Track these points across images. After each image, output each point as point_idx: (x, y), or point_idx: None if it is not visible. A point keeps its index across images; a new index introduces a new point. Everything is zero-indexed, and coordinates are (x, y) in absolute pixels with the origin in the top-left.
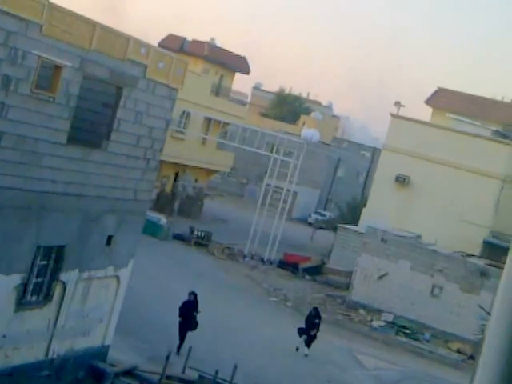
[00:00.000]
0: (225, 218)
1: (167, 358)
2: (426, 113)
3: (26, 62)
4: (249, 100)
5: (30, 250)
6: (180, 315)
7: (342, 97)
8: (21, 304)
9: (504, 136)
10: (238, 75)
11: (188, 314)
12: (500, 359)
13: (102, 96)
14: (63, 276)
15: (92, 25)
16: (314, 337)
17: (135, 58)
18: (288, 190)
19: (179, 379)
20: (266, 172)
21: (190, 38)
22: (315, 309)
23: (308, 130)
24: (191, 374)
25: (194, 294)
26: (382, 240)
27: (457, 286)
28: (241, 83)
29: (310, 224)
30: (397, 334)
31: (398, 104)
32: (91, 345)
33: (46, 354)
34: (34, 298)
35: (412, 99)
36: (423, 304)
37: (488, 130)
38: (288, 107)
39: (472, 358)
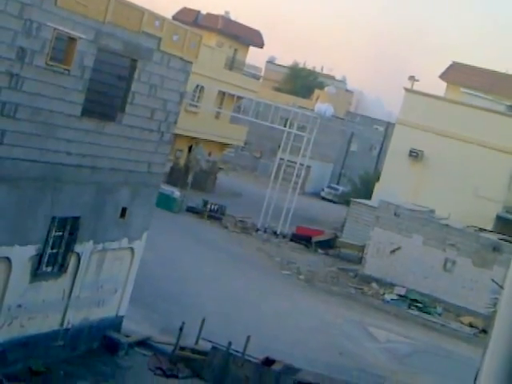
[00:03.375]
0: (238, 191)
1: (180, 329)
2: (440, 87)
3: (40, 34)
4: (262, 74)
5: (45, 221)
6: None
7: (356, 71)
8: (36, 275)
9: None
10: (251, 49)
11: None
12: (511, 333)
13: (116, 69)
14: (78, 247)
15: None
16: None
17: (150, 31)
18: (301, 164)
19: (192, 350)
20: (279, 146)
21: (204, 12)
22: None
23: (322, 105)
24: (204, 345)
25: None
26: (395, 214)
27: (469, 261)
28: (255, 57)
29: (322, 198)
30: (409, 307)
31: (412, 78)
32: (105, 315)
33: (61, 324)
34: (49, 269)
35: (426, 74)
36: (436, 278)
37: (502, 104)
38: (302, 81)
39: (484, 331)
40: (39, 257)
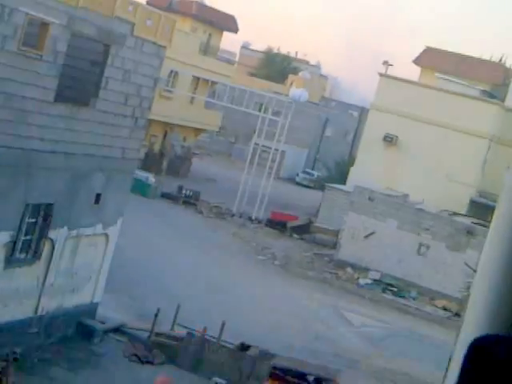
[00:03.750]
0: (213, 177)
1: (156, 315)
2: (414, 72)
3: (12, 19)
4: (237, 59)
5: (18, 207)
6: None
7: (330, 56)
8: (10, 261)
9: (491, 95)
10: (226, 34)
11: None
12: (484, 316)
13: (89, 54)
14: (52, 234)
15: None
16: None
17: (123, 16)
18: (276, 150)
19: (168, 336)
20: (254, 131)
21: None
22: None
23: (296, 90)
24: (180, 331)
25: None
26: (370, 199)
27: (443, 245)
28: (229, 42)
29: (297, 183)
30: (383, 291)
31: (386, 63)
32: (80, 302)
33: (35, 311)
34: (23, 256)
35: (400, 59)
36: (410, 262)
37: (476, 89)
38: (276, 66)
39: (457, 315)
40: (13, 243)
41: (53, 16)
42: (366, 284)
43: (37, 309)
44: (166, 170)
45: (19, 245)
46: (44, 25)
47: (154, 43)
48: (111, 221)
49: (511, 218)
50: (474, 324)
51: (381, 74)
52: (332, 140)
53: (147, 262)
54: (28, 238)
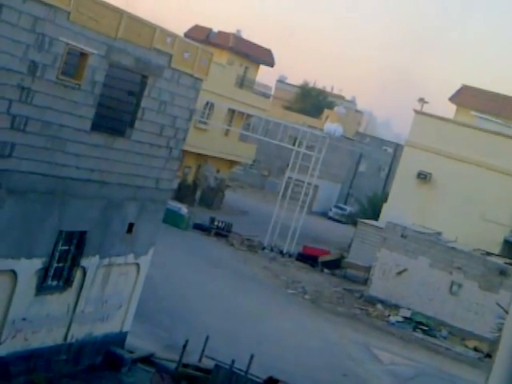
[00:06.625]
0: (245, 209)
1: (184, 346)
2: (450, 110)
3: (52, 49)
4: (272, 93)
5: (51, 234)
6: None
7: (365, 92)
8: (41, 288)
9: None
10: (262, 67)
11: None
12: None
13: (126, 84)
14: (84, 262)
15: (119, 13)
16: None
17: (161, 48)
18: (309, 184)
19: (195, 368)
20: (287, 165)
21: (215, 29)
22: None
23: (331, 124)
24: (207, 363)
25: None
26: (402, 236)
27: (475, 284)
28: (265, 76)
29: (330, 218)
30: (414, 329)
31: (421, 100)
32: (109, 331)
33: (65, 339)
34: (55, 283)
35: (436, 96)
36: (441, 301)
37: (511, 128)
38: (311, 101)
39: (489, 356)
40: (45, 270)
41: (92, 46)
42: (397, 322)
43: (66, 336)
44: (199, 202)
45: (51, 272)
46: (83, 55)
47: (191, 75)
48: (143, 250)
49: None
50: (504, 365)
51: (416, 111)
52: (365, 175)
53: (177, 292)
54: (60, 265)
